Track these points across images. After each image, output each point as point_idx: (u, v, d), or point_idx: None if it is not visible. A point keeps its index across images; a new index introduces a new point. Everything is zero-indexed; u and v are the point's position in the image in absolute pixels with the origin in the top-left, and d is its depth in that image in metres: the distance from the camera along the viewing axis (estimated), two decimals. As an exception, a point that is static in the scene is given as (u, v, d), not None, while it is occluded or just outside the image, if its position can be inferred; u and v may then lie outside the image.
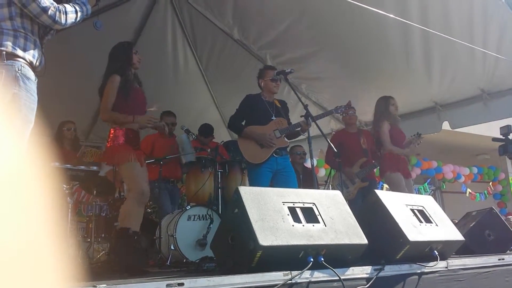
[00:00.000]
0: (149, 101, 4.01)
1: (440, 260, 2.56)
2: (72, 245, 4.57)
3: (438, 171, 10.33)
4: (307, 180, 5.67)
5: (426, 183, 10.41)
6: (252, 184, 4.16)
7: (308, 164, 6.83)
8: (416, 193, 7.22)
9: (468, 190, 10.90)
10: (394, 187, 4.75)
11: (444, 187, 11.01)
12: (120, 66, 3.48)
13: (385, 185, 6.67)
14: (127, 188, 3.37)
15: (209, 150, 4.73)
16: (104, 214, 5.00)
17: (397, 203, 2.65)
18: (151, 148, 5.18)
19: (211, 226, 3.97)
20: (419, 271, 2.48)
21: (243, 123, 4.28)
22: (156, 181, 4.90)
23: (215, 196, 4.45)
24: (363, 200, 4.54)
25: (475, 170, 11.20)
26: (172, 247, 3.86)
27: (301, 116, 3.84)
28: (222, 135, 6.43)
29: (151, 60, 6.11)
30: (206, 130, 5.60)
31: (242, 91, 4.27)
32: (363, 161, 5.08)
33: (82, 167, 4.28)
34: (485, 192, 11.16)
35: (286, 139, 4.25)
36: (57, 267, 0.58)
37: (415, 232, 2.50)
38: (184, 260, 3.81)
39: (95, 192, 5.06)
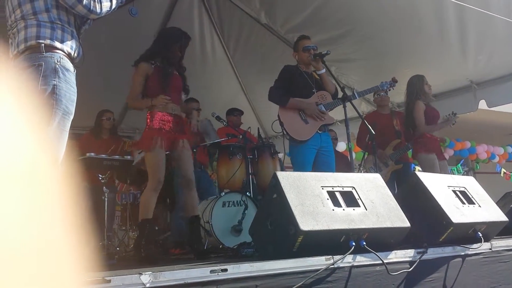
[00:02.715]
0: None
1: (484, 241, 2.50)
2: (108, 233, 4.65)
3: (472, 151, 10.10)
4: (339, 164, 5.61)
5: (459, 164, 10.20)
6: (295, 163, 3.92)
7: (339, 149, 6.77)
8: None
9: (503, 170, 10.65)
10: (427, 169, 4.63)
11: (478, 167, 10.76)
12: (164, 51, 3.52)
13: (417, 167, 6.54)
14: (149, 176, 3.44)
15: (240, 137, 4.70)
16: (138, 203, 5.07)
17: (439, 185, 2.59)
18: None
19: (246, 212, 3.97)
20: (463, 253, 2.43)
21: None
22: None
23: (247, 182, 4.44)
24: (402, 182, 4.46)
25: (509, 149, 10.93)
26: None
27: (338, 99, 3.73)
28: (251, 122, 6.40)
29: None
30: (234, 109, 5.68)
31: (270, 76, 4.19)
32: (397, 142, 4.98)
33: (117, 156, 4.34)
34: (520, 171, 10.89)
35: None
36: (88, 256, 0.57)
37: (458, 213, 2.44)
38: (220, 246, 3.83)
39: (128, 181, 5.15)
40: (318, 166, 3.85)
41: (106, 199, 4.32)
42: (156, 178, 3.36)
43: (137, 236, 3.63)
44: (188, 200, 3.58)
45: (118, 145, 5.22)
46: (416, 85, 4.80)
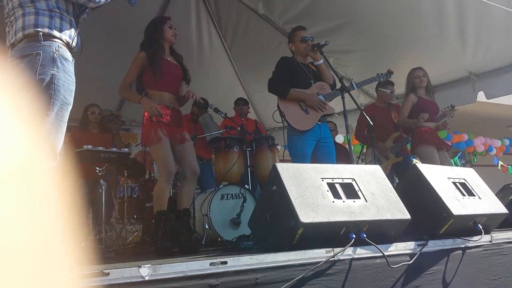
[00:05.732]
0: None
1: (484, 234, 2.49)
2: (106, 227, 4.63)
3: (469, 144, 10.11)
4: (339, 156, 5.59)
5: (457, 157, 10.21)
6: (294, 154, 3.87)
7: (337, 140, 6.75)
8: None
9: (500, 162, 10.66)
10: (427, 161, 4.60)
11: (475, 160, 10.77)
12: (147, 42, 3.44)
13: (415, 160, 6.53)
14: (158, 169, 3.34)
15: (238, 129, 4.67)
16: (136, 196, 5.05)
17: (439, 176, 2.57)
18: None
19: (244, 204, 3.96)
20: (463, 246, 2.42)
21: None
22: None
23: (246, 174, 4.42)
24: (402, 175, 4.42)
25: (506, 142, 10.94)
26: (206, 226, 3.86)
27: (336, 90, 3.71)
28: (249, 114, 6.37)
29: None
30: (238, 99, 5.78)
31: (268, 67, 4.14)
32: (397, 135, 4.96)
33: (114, 149, 4.31)
34: (518, 164, 10.91)
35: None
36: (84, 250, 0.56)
37: (458, 205, 2.43)
38: (219, 239, 3.81)
39: (126, 174, 5.12)
40: (318, 158, 3.82)
41: (103, 192, 4.29)
42: (167, 170, 3.28)
43: (153, 228, 3.45)
44: (186, 191, 3.45)
45: (108, 138, 5.14)
46: (408, 79, 4.79)
